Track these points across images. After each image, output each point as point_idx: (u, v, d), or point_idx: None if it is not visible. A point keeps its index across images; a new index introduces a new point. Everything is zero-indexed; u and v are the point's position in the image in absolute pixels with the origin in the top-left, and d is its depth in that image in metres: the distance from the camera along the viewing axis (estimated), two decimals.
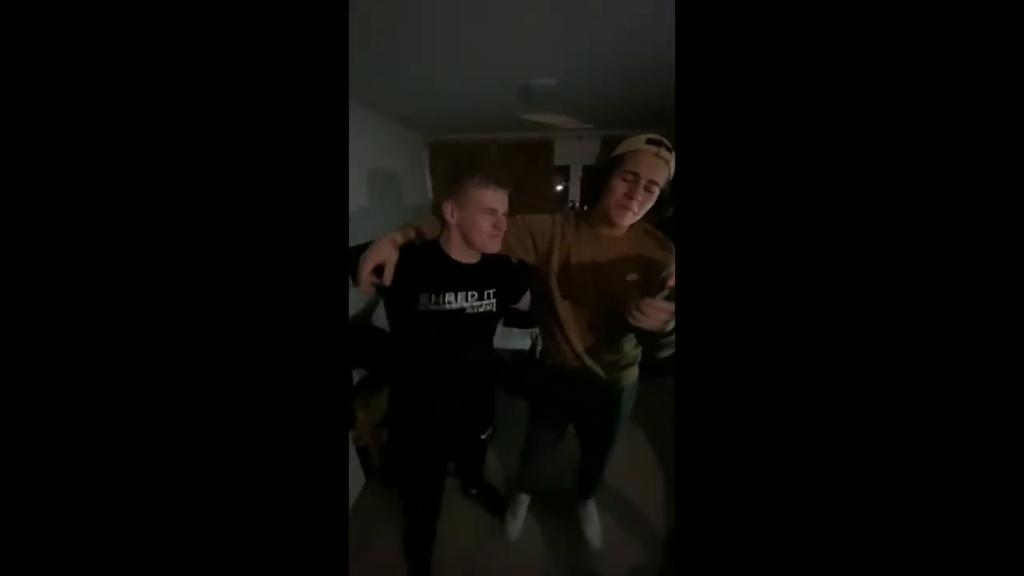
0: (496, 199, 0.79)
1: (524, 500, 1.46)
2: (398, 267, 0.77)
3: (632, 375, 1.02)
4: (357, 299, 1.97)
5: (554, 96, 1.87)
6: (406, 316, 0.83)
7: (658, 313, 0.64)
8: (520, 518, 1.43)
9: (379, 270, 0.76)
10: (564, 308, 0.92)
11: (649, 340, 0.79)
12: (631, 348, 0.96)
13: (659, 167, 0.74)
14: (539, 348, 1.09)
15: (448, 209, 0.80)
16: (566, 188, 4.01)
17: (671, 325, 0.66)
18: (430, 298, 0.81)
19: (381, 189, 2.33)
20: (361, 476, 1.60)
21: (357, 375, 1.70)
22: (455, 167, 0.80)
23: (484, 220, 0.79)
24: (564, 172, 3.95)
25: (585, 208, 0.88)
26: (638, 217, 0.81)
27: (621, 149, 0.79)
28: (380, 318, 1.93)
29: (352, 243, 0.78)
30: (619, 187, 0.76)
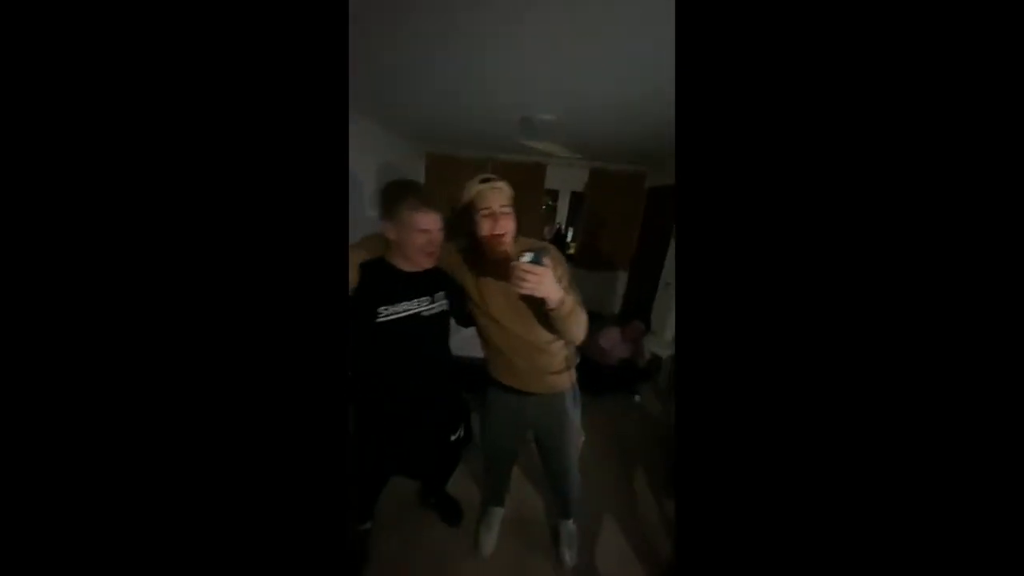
0: (427, 220, 0.89)
1: (497, 513, 1.43)
2: (358, 285, 0.89)
3: (568, 379, 1.10)
4: None
5: (552, 128, 2.09)
6: (367, 329, 0.93)
7: (527, 274, 0.75)
8: (494, 532, 1.39)
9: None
10: (490, 328, 1.03)
11: (556, 321, 0.90)
12: (559, 350, 1.05)
13: (500, 195, 0.92)
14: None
15: (386, 228, 0.91)
16: (555, 209, 4.28)
17: (551, 292, 0.78)
18: (387, 308, 0.93)
19: (372, 194, 2.44)
20: None
21: None
22: (389, 190, 0.91)
23: (418, 239, 0.90)
24: (553, 195, 4.24)
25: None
26: (511, 237, 0.98)
27: (467, 196, 0.98)
28: None
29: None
30: (485, 223, 0.92)
